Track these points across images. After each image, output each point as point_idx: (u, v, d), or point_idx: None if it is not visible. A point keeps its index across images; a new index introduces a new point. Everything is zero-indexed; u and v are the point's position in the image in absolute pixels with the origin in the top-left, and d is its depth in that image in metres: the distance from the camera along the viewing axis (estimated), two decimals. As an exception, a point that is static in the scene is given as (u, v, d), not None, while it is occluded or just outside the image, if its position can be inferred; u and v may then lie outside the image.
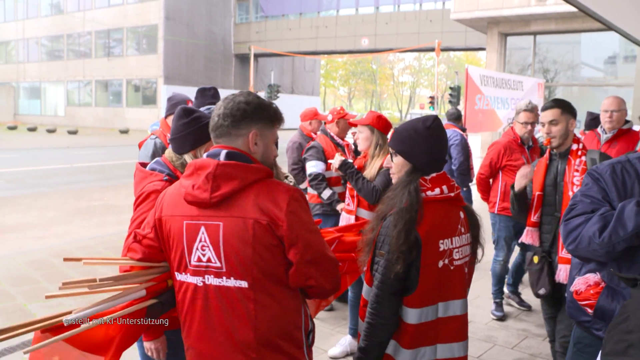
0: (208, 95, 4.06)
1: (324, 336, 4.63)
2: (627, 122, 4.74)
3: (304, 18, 39.31)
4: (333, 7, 38.69)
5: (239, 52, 42.33)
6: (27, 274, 6.22)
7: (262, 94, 33.23)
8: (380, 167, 3.79)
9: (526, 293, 5.57)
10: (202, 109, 3.92)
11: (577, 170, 3.26)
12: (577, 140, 3.42)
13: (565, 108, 3.42)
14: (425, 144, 2.29)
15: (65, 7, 44.38)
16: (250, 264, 1.84)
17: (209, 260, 1.88)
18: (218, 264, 1.87)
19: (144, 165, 2.65)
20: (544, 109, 3.49)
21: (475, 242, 2.41)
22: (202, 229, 1.87)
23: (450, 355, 2.33)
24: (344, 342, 4.34)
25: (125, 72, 40.83)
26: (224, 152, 1.91)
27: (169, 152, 2.58)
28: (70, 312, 1.87)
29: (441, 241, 2.23)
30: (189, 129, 2.47)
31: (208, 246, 1.87)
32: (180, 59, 39.29)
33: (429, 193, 2.26)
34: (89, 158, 20.19)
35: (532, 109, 5.09)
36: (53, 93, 46.40)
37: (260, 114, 1.97)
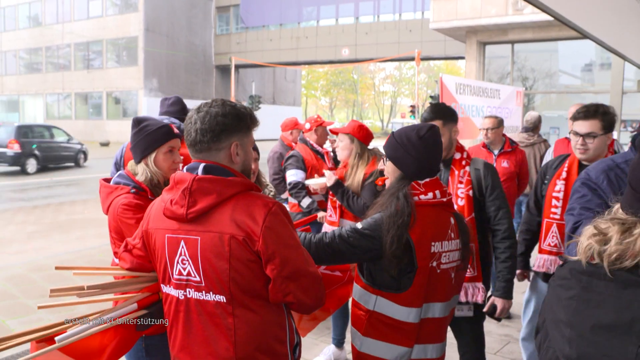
0: (165, 104, 4.10)
1: (308, 346, 4.61)
2: None
3: (284, 29, 39.43)
4: (313, 17, 38.86)
5: (219, 63, 42.28)
6: (5, 290, 6.11)
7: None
8: (364, 179, 3.78)
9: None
10: (164, 119, 3.97)
11: (461, 182, 3.04)
12: (460, 149, 3.14)
13: (447, 117, 3.10)
14: (416, 153, 2.30)
15: (44, 19, 43.99)
16: (227, 280, 1.82)
17: (189, 274, 1.87)
18: (197, 279, 1.86)
19: (107, 180, 2.65)
20: (424, 120, 3.13)
21: (464, 248, 2.41)
22: (182, 243, 1.87)
23: (423, 356, 2.35)
24: (328, 351, 4.32)
25: (105, 85, 40.53)
26: (201, 166, 1.89)
27: (131, 164, 2.59)
28: (62, 323, 1.89)
29: (432, 243, 2.25)
30: (137, 138, 2.52)
31: (188, 260, 1.86)
32: (161, 71, 39.11)
33: (422, 197, 2.28)
34: (69, 171, 19.95)
35: (490, 116, 5.48)
36: (32, 106, 45.82)
37: (239, 124, 1.93)
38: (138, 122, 2.55)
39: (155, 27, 38.66)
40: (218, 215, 1.83)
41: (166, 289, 1.96)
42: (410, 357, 2.32)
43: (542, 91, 17.84)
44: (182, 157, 2.57)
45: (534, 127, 6.65)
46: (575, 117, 3.14)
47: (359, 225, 2.27)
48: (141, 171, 2.53)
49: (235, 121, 1.92)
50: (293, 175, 4.74)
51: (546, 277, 3.25)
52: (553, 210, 3.18)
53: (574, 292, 1.28)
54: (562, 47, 17.25)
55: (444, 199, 2.33)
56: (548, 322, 1.37)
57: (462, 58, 24.10)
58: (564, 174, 3.21)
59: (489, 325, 5.14)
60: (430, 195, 2.29)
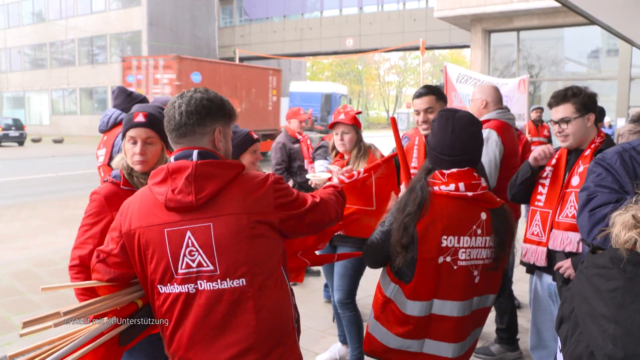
0: (112, 97, 4.27)
1: (314, 338, 4.58)
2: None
3: (288, 20, 39.24)
4: (317, 8, 38.64)
5: (224, 56, 42.09)
6: (10, 285, 6.10)
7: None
8: None
9: (516, 289, 5.55)
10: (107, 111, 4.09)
11: None
12: None
13: (439, 95, 3.42)
14: (432, 137, 2.29)
15: (47, 15, 43.97)
16: (248, 260, 1.80)
17: (200, 264, 1.80)
18: (211, 267, 1.79)
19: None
20: (418, 95, 3.44)
21: (498, 248, 2.29)
22: (189, 233, 1.79)
23: (435, 353, 2.29)
24: (334, 349, 4.28)
25: (110, 79, 40.48)
26: (195, 152, 1.85)
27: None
28: (41, 353, 1.76)
29: (445, 237, 2.17)
30: None
31: (197, 250, 1.79)
32: (165, 65, 39.07)
33: (442, 187, 2.21)
34: (75, 166, 19.95)
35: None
36: (37, 102, 45.92)
37: (223, 111, 1.95)
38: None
39: (159, 20, 38.57)
40: (227, 198, 1.81)
41: (166, 289, 1.85)
42: (420, 350, 2.28)
43: (548, 79, 17.70)
44: (138, 150, 2.39)
45: (639, 119, 7.34)
46: (550, 104, 3.01)
47: (384, 224, 2.32)
48: (119, 157, 2.51)
49: (219, 106, 1.94)
50: (321, 166, 4.70)
51: (530, 268, 3.11)
52: (538, 197, 3.03)
53: (617, 283, 1.17)
54: (568, 34, 17.10)
55: (469, 193, 2.21)
56: (580, 314, 1.25)
57: (468, 47, 23.95)
58: (553, 161, 3.06)
59: (496, 315, 5.09)
60: (452, 186, 2.20)
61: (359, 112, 4.43)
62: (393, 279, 2.28)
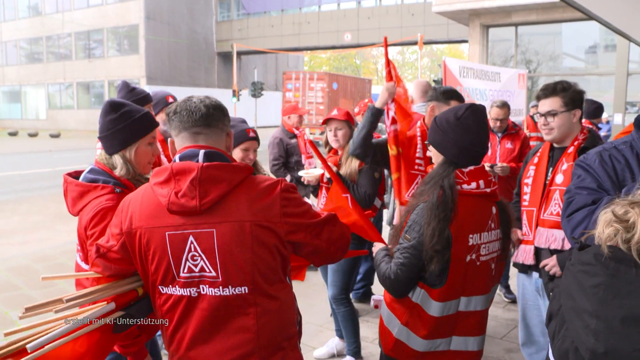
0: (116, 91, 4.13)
1: (312, 333, 4.60)
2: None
3: (285, 14, 39.15)
4: (315, 2, 38.52)
5: (221, 50, 42.07)
6: (8, 280, 6.10)
7: (246, 92, 33.08)
8: (361, 165, 3.72)
9: (513, 284, 5.57)
10: None
11: None
12: None
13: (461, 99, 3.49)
14: (454, 134, 2.22)
15: (44, 8, 43.77)
16: (250, 268, 1.77)
17: (202, 269, 1.77)
18: (213, 274, 1.76)
19: (74, 175, 2.32)
20: (446, 96, 3.51)
21: (505, 238, 2.34)
22: (191, 238, 1.75)
23: (464, 348, 2.32)
24: (331, 343, 4.30)
25: (107, 74, 40.38)
26: (202, 153, 1.80)
27: (104, 156, 2.31)
28: (32, 335, 1.72)
29: (471, 236, 2.18)
30: (117, 126, 2.25)
31: (200, 255, 1.76)
32: (163, 59, 38.95)
33: (464, 186, 2.19)
34: (72, 161, 19.91)
35: (499, 105, 5.39)
36: (34, 96, 45.77)
37: (228, 117, 2.01)
38: (117, 107, 2.27)
39: (156, 14, 38.43)
40: (232, 204, 1.76)
41: (168, 290, 1.82)
42: (448, 348, 2.29)
43: (546, 74, 17.68)
44: (160, 150, 2.45)
45: None
46: (538, 97, 3.00)
47: (406, 239, 2.20)
48: (120, 165, 2.26)
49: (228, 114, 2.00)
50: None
51: (523, 268, 3.10)
52: (524, 197, 3.05)
53: (599, 279, 1.19)
54: (565, 29, 17.08)
55: (488, 189, 2.23)
56: (566, 310, 1.28)
57: (466, 41, 23.92)
58: (535, 159, 3.08)
59: (495, 310, 5.12)
60: (473, 185, 2.20)
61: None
62: (418, 284, 2.25)
